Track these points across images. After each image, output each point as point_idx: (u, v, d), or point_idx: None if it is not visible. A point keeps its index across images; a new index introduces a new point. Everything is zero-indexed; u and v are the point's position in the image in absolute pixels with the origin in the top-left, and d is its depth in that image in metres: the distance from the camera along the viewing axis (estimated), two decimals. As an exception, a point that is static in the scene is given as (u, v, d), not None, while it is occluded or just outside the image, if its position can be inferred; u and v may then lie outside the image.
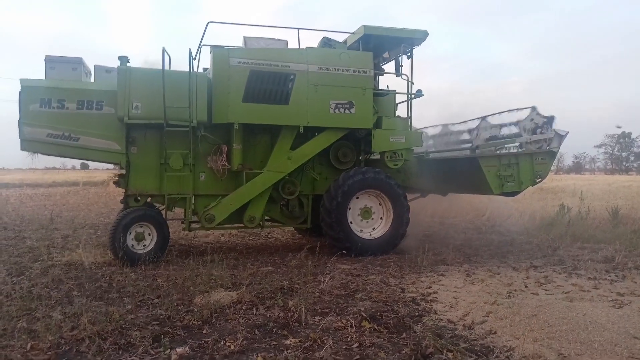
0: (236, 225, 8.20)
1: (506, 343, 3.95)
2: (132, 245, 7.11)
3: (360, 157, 8.64)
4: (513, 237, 9.67)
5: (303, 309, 4.52)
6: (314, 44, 8.33)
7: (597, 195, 16.96)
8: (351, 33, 8.50)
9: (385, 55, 9.16)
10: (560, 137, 8.07)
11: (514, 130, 8.89)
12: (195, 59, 7.46)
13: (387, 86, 8.79)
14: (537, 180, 8.12)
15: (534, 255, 7.82)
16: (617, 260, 7.03)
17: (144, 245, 7.20)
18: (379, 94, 8.38)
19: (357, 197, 7.96)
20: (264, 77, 7.40)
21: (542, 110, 8.34)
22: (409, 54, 8.51)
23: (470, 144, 9.71)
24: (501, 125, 9.29)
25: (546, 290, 5.60)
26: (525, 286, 5.78)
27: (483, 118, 9.74)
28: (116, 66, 7.13)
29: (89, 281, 5.99)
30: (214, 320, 4.50)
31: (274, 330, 4.24)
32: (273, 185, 7.86)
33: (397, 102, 8.68)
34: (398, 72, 8.69)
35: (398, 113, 8.65)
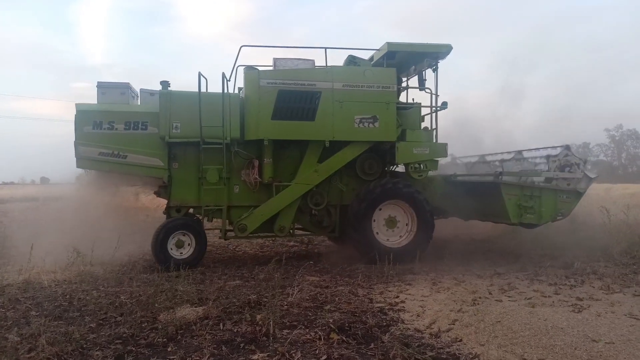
0: (267, 234, 8.67)
1: (471, 350, 4.03)
2: (173, 252, 7.78)
3: (386, 169, 8.95)
4: (477, 245, 9.88)
5: (271, 322, 4.48)
6: (340, 60, 8.74)
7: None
8: (376, 50, 8.78)
9: (412, 69, 9.41)
10: (589, 179, 8.19)
11: (544, 163, 8.78)
12: (229, 80, 8.01)
13: (413, 99, 9.13)
14: (558, 218, 8.22)
15: (498, 262, 8.01)
16: (576, 266, 7.27)
17: (188, 249, 7.87)
18: (403, 108, 8.68)
19: (380, 209, 8.26)
20: (291, 96, 7.92)
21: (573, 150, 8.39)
22: (434, 67, 8.75)
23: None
24: (533, 158, 9.23)
25: (509, 297, 5.74)
26: (490, 293, 5.91)
27: (519, 152, 9.76)
28: (159, 90, 7.91)
29: (48, 300, 5.76)
30: (179, 337, 4.40)
31: (242, 345, 4.18)
32: (301, 197, 8.32)
33: (422, 114, 8.98)
34: (422, 86, 8.96)
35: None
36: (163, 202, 8.77)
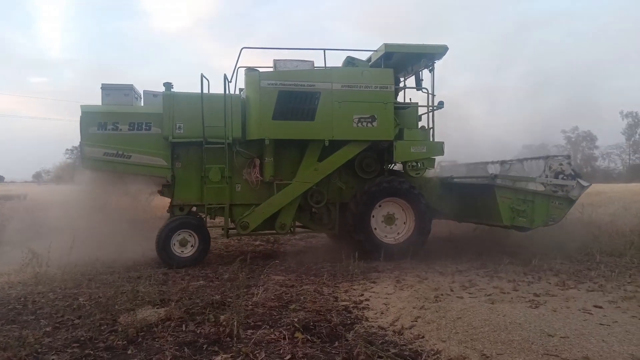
0: (269, 231, 8.86)
1: (433, 346, 4.10)
2: (176, 251, 7.93)
3: (385, 167, 9.14)
4: (440, 243, 10.06)
5: (235, 323, 4.43)
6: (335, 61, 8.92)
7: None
8: (374, 51, 8.95)
9: (409, 69, 9.58)
10: (582, 187, 8.35)
11: (540, 167, 8.94)
12: (230, 81, 8.25)
13: (410, 99, 9.34)
14: (550, 223, 8.35)
15: (459, 260, 8.19)
16: (534, 263, 7.50)
17: (191, 248, 8.02)
18: (400, 107, 8.89)
19: (383, 204, 8.52)
20: (291, 96, 8.07)
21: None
22: (431, 67, 8.91)
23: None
24: (528, 159, 9.42)
25: (470, 293, 5.88)
26: (451, 290, 6.03)
27: (520, 160, 9.91)
28: (162, 91, 8.09)
29: (1, 303, 5.53)
30: (140, 339, 4.31)
31: (205, 346, 4.12)
32: (302, 195, 8.51)
33: (419, 114, 9.19)
34: (418, 86, 9.12)
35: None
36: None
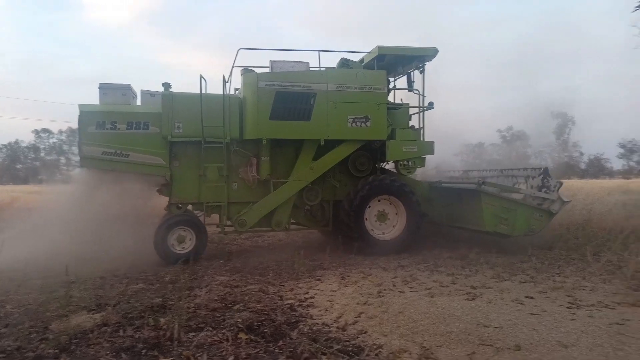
0: (265, 228, 9.02)
1: (375, 341, 4.18)
2: (173, 245, 8.05)
3: (377, 166, 9.46)
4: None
5: (176, 326, 4.31)
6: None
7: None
8: (367, 52, 9.20)
9: (400, 70, 9.84)
10: (563, 202, 8.61)
11: (522, 183, 9.14)
12: (227, 82, 8.44)
13: (401, 99, 9.57)
14: (529, 233, 8.57)
15: (402, 255, 8.40)
16: (471, 257, 7.83)
17: (182, 248, 8.09)
18: (392, 108, 9.18)
19: (379, 201, 8.81)
20: (288, 97, 8.22)
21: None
22: (421, 69, 9.15)
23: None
24: (514, 176, 9.60)
25: (411, 287, 6.04)
26: (394, 285, 6.17)
27: (501, 170, 10.14)
28: (159, 90, 8.23)
29: None
30: (73, 347, 4.10)
31: (144, 351, 3.98)
32: (297, 193, 8.72)
33: (410, 114, 9.40)
34: (410, 87, 9.35)
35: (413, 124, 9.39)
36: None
